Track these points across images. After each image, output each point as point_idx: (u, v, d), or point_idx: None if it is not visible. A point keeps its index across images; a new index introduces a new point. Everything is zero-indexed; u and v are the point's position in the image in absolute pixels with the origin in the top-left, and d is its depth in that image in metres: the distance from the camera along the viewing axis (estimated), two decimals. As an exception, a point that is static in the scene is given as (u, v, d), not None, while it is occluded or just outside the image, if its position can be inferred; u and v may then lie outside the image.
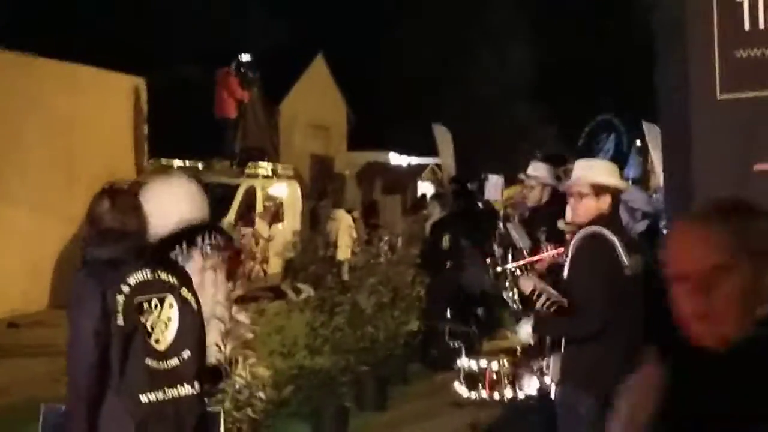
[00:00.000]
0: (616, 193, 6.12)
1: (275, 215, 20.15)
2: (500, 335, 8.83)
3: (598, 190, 5.86)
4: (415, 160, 34.88)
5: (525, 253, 8.29)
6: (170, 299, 4.43)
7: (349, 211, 18.97)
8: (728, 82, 4.95)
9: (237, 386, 6.25)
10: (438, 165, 28.67)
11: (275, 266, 18.22)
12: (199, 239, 5.21)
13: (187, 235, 5.20)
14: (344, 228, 17.29)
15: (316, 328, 9.50)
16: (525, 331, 5.81)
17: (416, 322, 11.50)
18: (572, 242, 5.82)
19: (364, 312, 10.37)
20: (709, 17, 4.98)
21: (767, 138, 4.91)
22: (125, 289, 4.29)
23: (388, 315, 10.93)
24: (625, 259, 5.59)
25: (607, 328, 5.51)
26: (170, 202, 5.24)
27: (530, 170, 9.46)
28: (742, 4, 4.94)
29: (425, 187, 29.98)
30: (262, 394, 6.47)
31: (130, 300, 4.29)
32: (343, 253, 14.79)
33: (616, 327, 5.51)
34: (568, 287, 5.76)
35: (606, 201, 5.89)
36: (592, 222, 5.80)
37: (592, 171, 6.00)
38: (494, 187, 12.38)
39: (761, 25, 4.92)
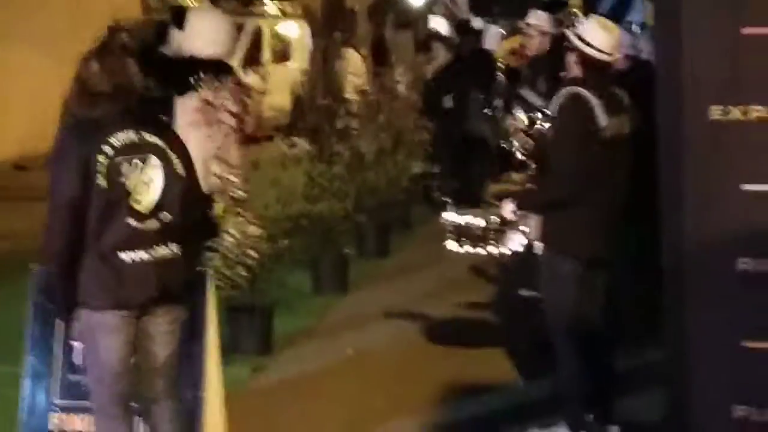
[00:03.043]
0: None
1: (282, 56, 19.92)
2: (506, 177, 8.71)
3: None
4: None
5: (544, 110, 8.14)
6: (153, 160, 4.38)
7: (357, 49, 18.72)
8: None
9: (226, 244, 6.26)
10: (451, -1, 28.05)
11: (269, 119, 17.99)
12: (212, 74, 5.55)
13: (208, 67, 5.57)
14: (352, 67, 17.11)
15: (314, 178, 9.39)
16: (509, 209, 5.73)
17: (419, 166, 11.39)
18: (554, 100, 5.67)
19: (364, 158, 10.29)
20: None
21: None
22: (108, 150, 4.27)
23: (390, 160, 10.86)
24: (602, 122, 5.39)
25: (582, 192, 5.39)
26: (201, 30, 5.71)
27: (529, 19, 9.22)
28: None
29: (437, 22, 29.44)
30: (254, 252, 6.47)
31: (113, 161, 4.27)
32: (350, 93, 14.64)
33: (594, 190, 5.40)
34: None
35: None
36: (573, 80, 5.65)
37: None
38: (493, 38, 12.12)
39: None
